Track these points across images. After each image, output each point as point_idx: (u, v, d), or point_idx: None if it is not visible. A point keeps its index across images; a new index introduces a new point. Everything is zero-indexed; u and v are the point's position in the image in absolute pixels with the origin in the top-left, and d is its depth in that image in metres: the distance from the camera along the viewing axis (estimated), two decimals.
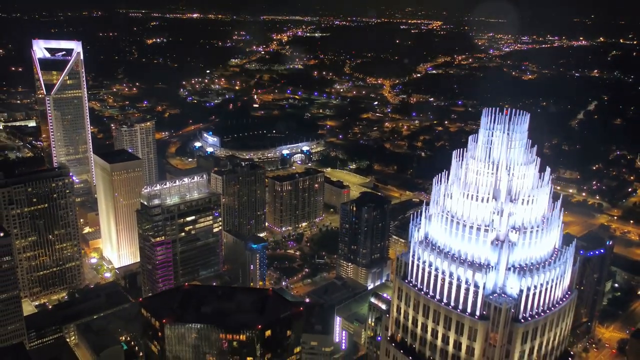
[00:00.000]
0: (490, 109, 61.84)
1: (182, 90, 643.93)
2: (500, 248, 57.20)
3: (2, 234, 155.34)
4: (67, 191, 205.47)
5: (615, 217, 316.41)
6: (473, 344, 57.46)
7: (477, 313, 58.99)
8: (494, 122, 61.42)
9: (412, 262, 63.77)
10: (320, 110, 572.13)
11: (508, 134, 60.82)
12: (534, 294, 56.88)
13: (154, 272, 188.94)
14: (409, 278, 63.87)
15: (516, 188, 59.93)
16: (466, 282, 58.75)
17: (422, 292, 62.73)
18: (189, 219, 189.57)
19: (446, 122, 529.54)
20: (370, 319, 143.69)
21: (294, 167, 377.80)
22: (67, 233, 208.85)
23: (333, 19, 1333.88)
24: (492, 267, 57.92)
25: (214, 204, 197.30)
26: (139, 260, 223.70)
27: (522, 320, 57.51)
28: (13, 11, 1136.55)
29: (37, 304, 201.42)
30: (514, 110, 59.91)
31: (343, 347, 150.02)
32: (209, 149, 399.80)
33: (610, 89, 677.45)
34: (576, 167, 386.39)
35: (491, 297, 58.36)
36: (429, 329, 62.61)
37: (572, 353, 66.89)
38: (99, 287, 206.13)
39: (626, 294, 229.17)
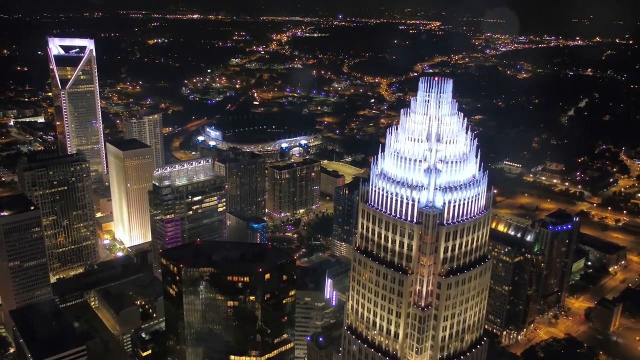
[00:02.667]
0: (426, 77, 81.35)
1: (184, 88, 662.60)
2: (430, 174, 78.00)
3: (32, 208, 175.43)
4: (84, 175, 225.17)
5: (595, 205, 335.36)
6: (411, 242, 78.43)
7: (415, 220, 79.41)
8: (428, 86, 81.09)
9: (372, 189, 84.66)
10: (319, 108, 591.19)
11: (437, 94, 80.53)
12: (454, 207, 77.79)
13: (164, 247, 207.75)
14: (369, 201, 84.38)
15: (442, 132, 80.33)
16: (407, 199, 79.61)
17: (378, 209, 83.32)
18: (196, 198, 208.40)
19: None
20: None
21: (292, 160, 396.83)
22: (83, 214, 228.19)
23: (332, 19, 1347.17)
24: (425, 187, 78.77)
25: (218, 186, 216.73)
26: (148, 240, 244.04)
27: (445, 225, 77.74)
28: (14, 12, 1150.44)
29: (57, 277, 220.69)
30: (442, 78, 79.51)
31: (333, 304, 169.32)
32: (212, 143, 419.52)
33: (602, 87, 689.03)
34: (562, 160, 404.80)
35: (424, 208, 78.68)
36: (382, 236, 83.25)
37: (488, 257, 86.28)
38: (114, 260, 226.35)
39: (597, 271, 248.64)
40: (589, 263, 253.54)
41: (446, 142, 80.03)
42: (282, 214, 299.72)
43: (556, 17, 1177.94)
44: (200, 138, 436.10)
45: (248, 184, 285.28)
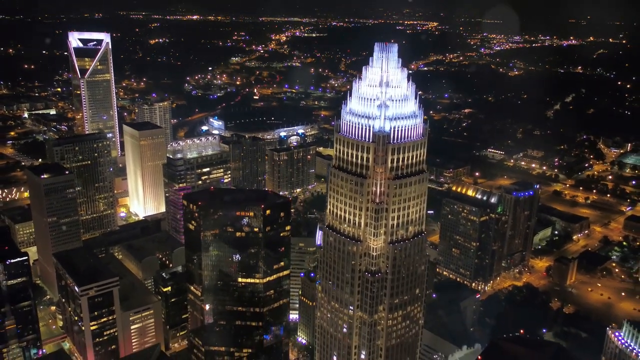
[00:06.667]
0: (380, 43, 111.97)
1: (186, 85, 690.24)
2: (381, 108, 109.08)
3: (67, 172, 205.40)
4: (105, 151, 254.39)
5: (568, 185, 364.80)
6: (368, 156, 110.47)
7: (370, 140, 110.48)
8: (381, 49, 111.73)
9: (342, 122, 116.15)
10: (316, 102, 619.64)
11: (387, 54, 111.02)
12: (398, 131, 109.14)
13: (177, 212, 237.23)
14: (341, 131, 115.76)
15: (390, 80, 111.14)
16: (365, 126, 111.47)
17: (347, 135, 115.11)
18: (204, 170, 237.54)
19: (431, 112, 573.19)
20: None
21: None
22: (104, 186, 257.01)
23: (330, 20, 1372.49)
24: (377, 117, 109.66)
25: (224, 160, 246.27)
26: (161, 211, 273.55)
27: (392, 143, 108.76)
28: (16, 13, 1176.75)
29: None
30: (390, 42, 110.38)
31: None
32: (215, 132, 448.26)
33: (590, 84, 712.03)
34: (543, 148, 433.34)
35: (377, 132, 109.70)
36: (350, 154, 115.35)
37: (425, 171, 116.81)
38: (134, 223, 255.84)
39: (562, 238, 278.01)
40: (556, 232, 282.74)
41: (393, 87, 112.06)
42: (281, 193, 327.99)
43: (553, 18, 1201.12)
44: (204, 128, 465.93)
45: (249, 166, 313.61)
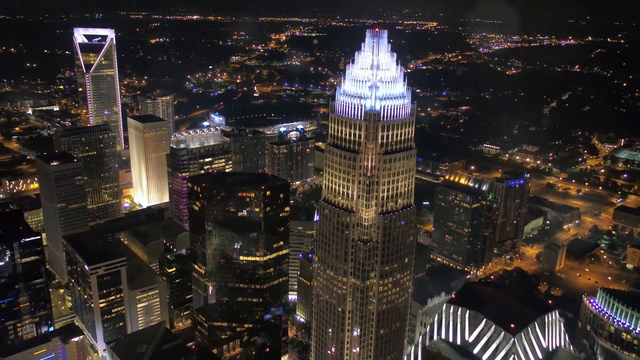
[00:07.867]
0: (370, 29, 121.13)
1: (187, 83, 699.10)
2: (372, 89, 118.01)
3: (75, 160, 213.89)
4: (111, 143, 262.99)
5: (561, 179, 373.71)
6: (361, 133, 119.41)
7: (362, 118, 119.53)
8: (372, 35, 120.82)
9: (337, 103, 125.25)
10: (315, 100, 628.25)
11: (377, 39, 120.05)
12: (387, 110, 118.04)
13: (180, 201, 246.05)
14: (335, 111, 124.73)
15: (380, 63, 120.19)
16: (358, 105, 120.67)
17: (341, 114, 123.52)
18: (207, 159, 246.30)
19: (429, 109, 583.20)
20: None
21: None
22: (109, 176, 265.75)
23: (330, 20, 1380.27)
24: (369, 97, 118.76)
25: (226, 150, 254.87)
26: (164, 201, 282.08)
27: (381, 121, 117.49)
28: (17, 13, 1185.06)
29: None
30: (381, 30, 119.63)
31: None
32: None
33: (587, 82, 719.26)
34: (538, 143, 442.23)
35: (368, 110, 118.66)
36: (344, 131, 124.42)
37: (413, 148, 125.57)
38: (139, 211, 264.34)
39: (554, 227, 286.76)
40: (547, 221, 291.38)
41: (383, 69, 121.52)
42: None
43: (553, 18, 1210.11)
44: (205, 123, 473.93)
45: (250, 158, 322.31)
